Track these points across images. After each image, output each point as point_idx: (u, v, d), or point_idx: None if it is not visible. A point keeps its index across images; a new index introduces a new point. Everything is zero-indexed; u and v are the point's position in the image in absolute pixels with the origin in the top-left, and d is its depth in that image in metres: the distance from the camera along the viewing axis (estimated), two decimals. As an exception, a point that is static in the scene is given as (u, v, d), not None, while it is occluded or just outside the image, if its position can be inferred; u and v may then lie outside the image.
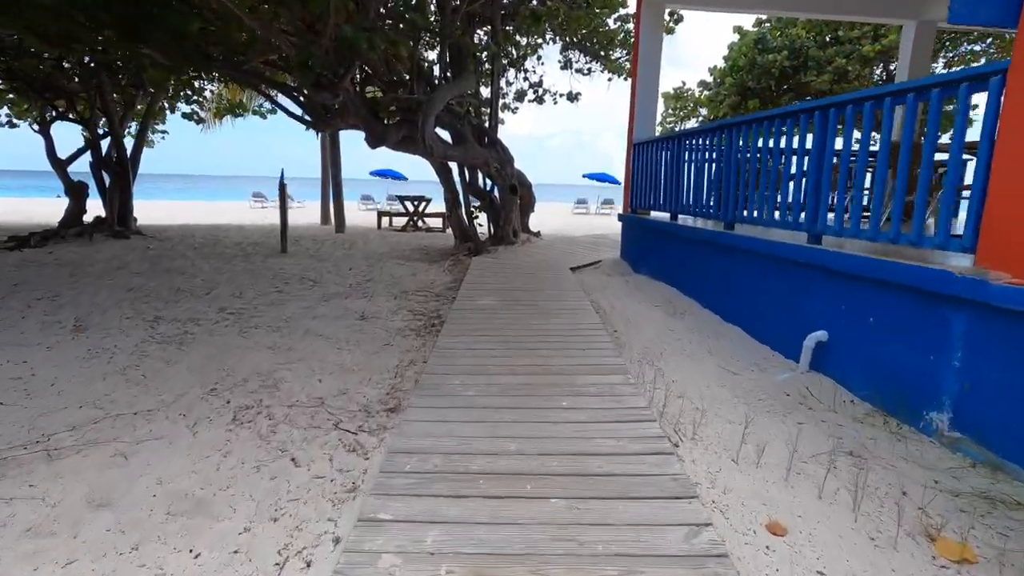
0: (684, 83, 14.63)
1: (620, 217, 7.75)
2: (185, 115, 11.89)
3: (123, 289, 5.34)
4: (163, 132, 14.27)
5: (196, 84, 10.12)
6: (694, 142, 5.56)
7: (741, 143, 4.60)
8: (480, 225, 8.50)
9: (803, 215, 3.71)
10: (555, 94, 10.29)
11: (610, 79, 9.97)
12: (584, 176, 28.19)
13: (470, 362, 3.32)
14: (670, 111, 15.10)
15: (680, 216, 6.14)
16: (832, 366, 3.35)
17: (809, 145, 3.65)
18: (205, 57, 6.32)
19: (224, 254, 7.79)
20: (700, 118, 14.74)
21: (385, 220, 14.03)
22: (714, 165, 5.16)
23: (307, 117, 7.28)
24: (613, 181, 28.03)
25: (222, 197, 34.19)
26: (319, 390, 3.15)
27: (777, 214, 4.07)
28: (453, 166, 8.64)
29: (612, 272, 7.09)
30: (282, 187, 7.67)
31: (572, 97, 10.12)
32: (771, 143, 4.13)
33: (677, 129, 15.30)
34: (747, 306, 4.33)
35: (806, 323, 3.54)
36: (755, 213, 4.32)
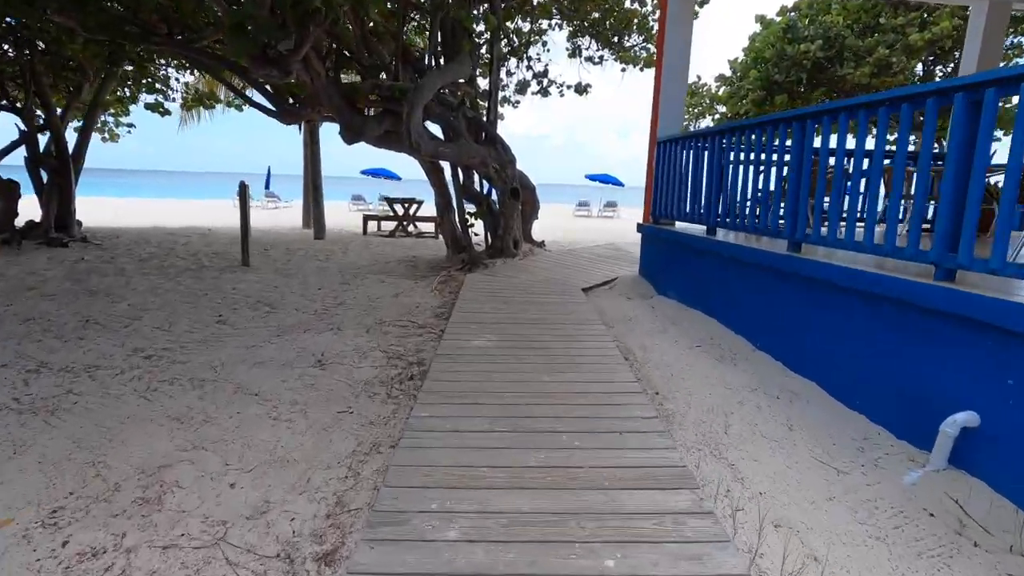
0: (699, 77, 13.64)
1: (639, 227, 6.72)
2: (148, 106, 10.79)
3: (18, 320, 4.26)
4: (128, 126, 13.16)
5: (153, 69, 9.04)
6: (744, 139, 4.52)
7: (818, 141, 3.58)
8: (476, 235, 7.44)
9: (927, 241, 2.67)
10: (561, 86, 9.26)
11: (623, 69, 8.95)
12: (586, 177, 27.22)
13: (455, 459, 2.26)
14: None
15: (719, 230, 5.11)
16: (986, 464, 2.31)
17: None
18: (143, 32, 5.25)
19: (172, 267, 6.71)
20: (717, 116, 13.73)
21: (373, 224, 12.97)
22: (773, 169, 4.12)
23: (271, 106, 6.22)
24: (616, 183, 27.08)
25: (210, 195, 32.99)
26: (226, 506, 2.10)
27: (879, 235, 3.03)
28: (446, 166, 7.60)
29: (632, 294, 6.05)
30: (242, 189, 6.61)
31: (581, 89, 9.09)
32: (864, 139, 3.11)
33: (695, 127, 14.28)
34: (827, 355, 3.29)
35: (933, 393, 2.52)
36: (841, 233, 3.29)
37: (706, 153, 5.21)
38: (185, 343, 3.96)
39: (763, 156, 4.33)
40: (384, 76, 6.46)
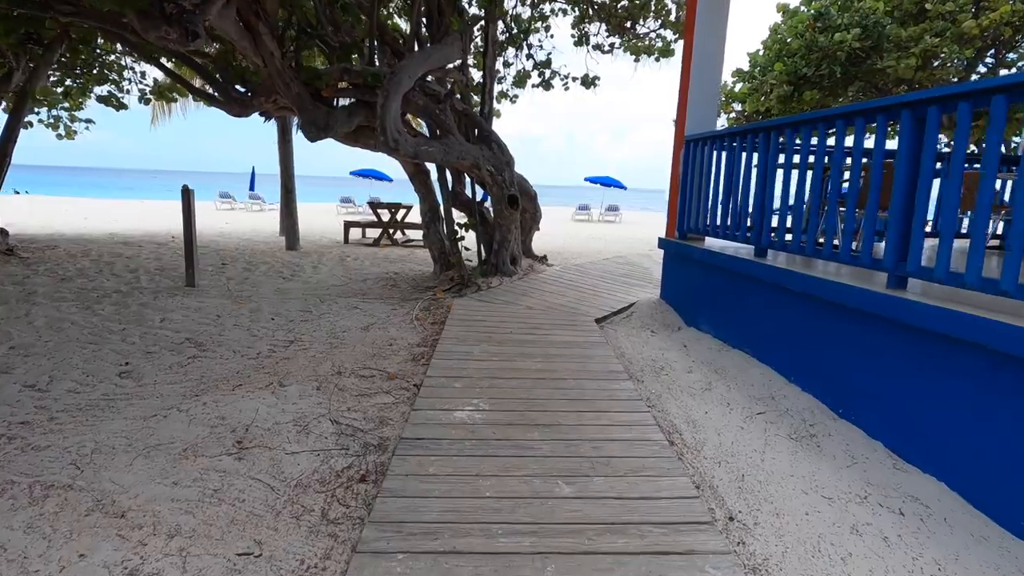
0: (714, 73, 12.67)
1: (661, 243, 5.71)
2: (101, 99, 9.75)
3: None
4: (86, 122, 12.09)
5: (101, 58, 8.00)
6: (812, 133, 3.51)
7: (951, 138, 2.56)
8: (467, 249, 6.41)
9: None
10: (566, 78, 8.26)
11: (636, 59, 7.95)
12: (586, 180, 26.27)
13: None
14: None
15: (771, 251, 4.11)
16: None
17: None
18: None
19: (96, 290, 5.65)
20: (734, 115, 12.75)
21: (357, 231, 11.93)
22: (859, 174, 3.12)
23: (216, 94, 5.18)
24: (617, 185, 26.15)
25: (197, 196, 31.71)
26: None
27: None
28: (432, 168, 6.58)
29: (656, 325, 5.04)
30: (186, 194, 5.55)
31: (588, 82, 8.10)
32: None
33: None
34: (964, 445, 2.27)
35: None
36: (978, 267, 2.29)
37: (754, 155, 4.21)
38: (59, 412, 2.91)
39: (847, 159, 3.34)
40: (356, 59, 5.43)
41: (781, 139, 3.97)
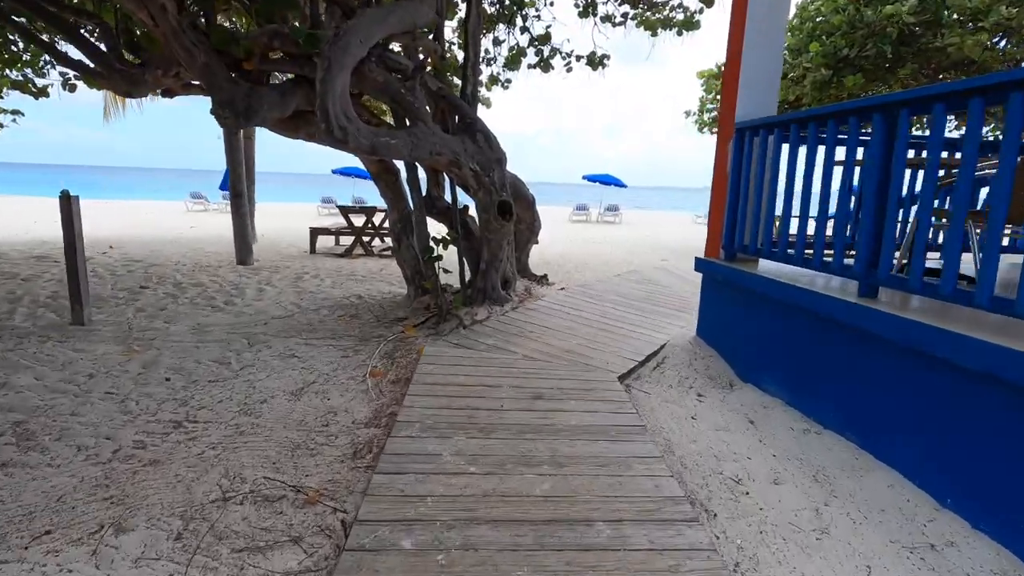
0: (731, 58, 11.40)
1: (699, 264, 4.41)
2: (15, 84, 8.32)
3: None
4: (14, 113, 10.66)
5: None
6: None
7: None
8: (446, 272, 5.08)
9: None
10: (569, 56, 6.93)
11: (653, 34, 6.64)
12: (584, 178, 24.96)
13: None
14: (709, 96, 11.83)
15: (874, 287, 2.83)
16: None
17: None
18: None
19: (-56, 332, 4.27)
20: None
21: (330, 240, 10.57)
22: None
23: (94, 65, 3.83)
24: (617, 183, 24.90)
25: (174, 195, 30.03)
26: None
27: None
28: (403, 167, 5.23)
29: (702, 382, 3.74)
30: (64, 201, 4.18)
31: (595, 62, 6.79)
32: None
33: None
34: None
35: None
36: None
37: (859, 146, 2.92)
38: None
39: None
40: (293, 20, 4.09)
41: (911, 114, 2.68)
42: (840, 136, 3.31)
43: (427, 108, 4.62)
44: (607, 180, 24.70)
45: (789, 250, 3.42)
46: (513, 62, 7.03)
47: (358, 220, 10.49)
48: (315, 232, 9.83)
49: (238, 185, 7.89)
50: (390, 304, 5.75)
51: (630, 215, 27.16)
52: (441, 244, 4.84)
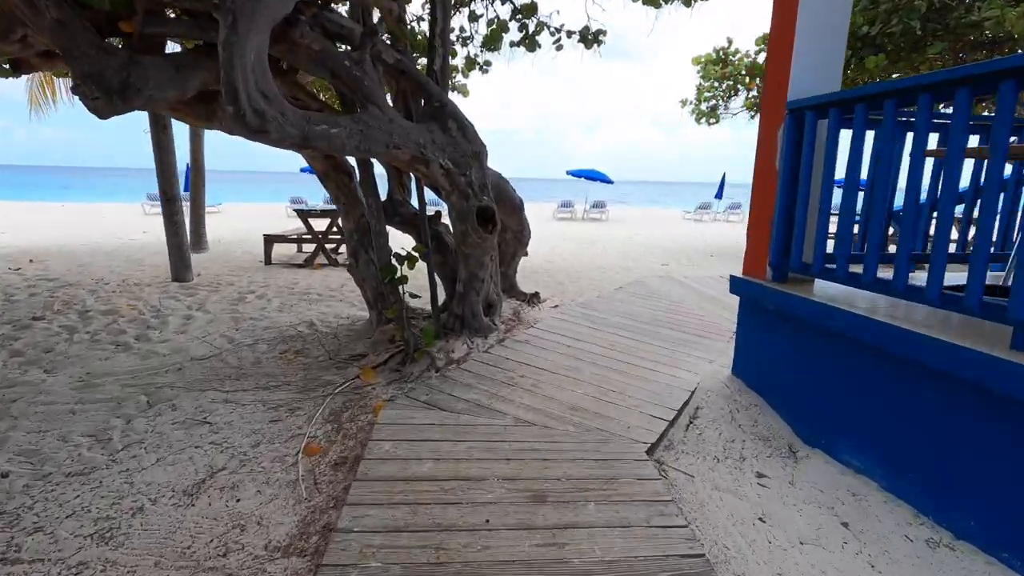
0: (730, 42, 10.52)
1: (736, 284, 3.48)
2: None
3: None
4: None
5: None
6: None
7: None
8: (415, 297, 4.07)
9: None
10: (558, 32, 5.95)
11: (658, 6, 5.68)
12: (568, 173, 24.05)
13: None
14: (707, 84, 10.97)
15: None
16: None
17: None
18: None
19: None
20: (752, 93, 10.63)
21: (291, 248, 9.43)
22: None
23: None
24: (603, 179, 24.04)
25: (135, 197, 28.24)
26: None
27: None
28: (362, 167, 4.18)
29: (756, 453, 2.81)
30: None
31: (590, 38, 5.82)
32: None
33: (724, 108, 11.15)
34: None
35: None
36: None
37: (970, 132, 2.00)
38: None
39: None
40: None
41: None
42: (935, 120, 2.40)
43: (383, 88, 3.59)
44: (593, 175, 23.83)
45: (884, 273, 2.49)
46: (493, 40, 6.03)
47: (323, 225, 9.40)
48: (270, 240, 8.70)
49: (169, 188, 6.74)
50: (347, 334, 4.72)
51: (616, 211, 26.37)
52: (406, 262, 3.82)
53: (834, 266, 2.77)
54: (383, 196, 4.25)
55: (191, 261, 7.04)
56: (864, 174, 3.02)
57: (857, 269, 2.65)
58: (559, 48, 5.97)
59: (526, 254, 5.13)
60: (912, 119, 2.88)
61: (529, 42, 5.90)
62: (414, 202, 4.37)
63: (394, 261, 3.91)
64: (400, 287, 3.92)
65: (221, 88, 2.65)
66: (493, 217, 3.75)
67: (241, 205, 25.65)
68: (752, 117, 10.73)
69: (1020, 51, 7.00)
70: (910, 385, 2.29)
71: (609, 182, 24.34)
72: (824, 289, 3.05)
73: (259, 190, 46.51)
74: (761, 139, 3.37)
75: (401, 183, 4.31)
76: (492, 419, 2.91)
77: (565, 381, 3.42)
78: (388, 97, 4.50)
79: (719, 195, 24.44)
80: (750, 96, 10.60)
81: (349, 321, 5.12)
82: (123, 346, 4.31)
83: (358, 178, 4.13)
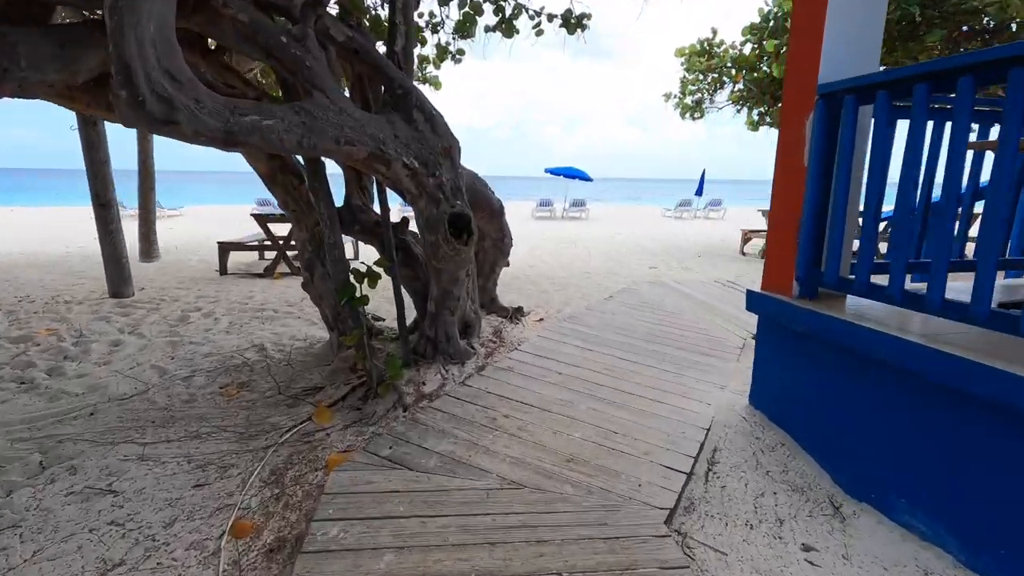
0: (714, 32, 10.12)
1: (756, 302, 2.99)
2: None
3: None
4: None
5: None
6: None
7: None
8: (379, 321, 3.48)
9: None
10: (538, 15, 5.40)
11: (646, -12, 5.18)
12: (547, 171, 23.55)
13: None
14: (692, 76, 10.55)
15: None
16: None
17: None
18: None
19: None
20: (739, 87, 10.24)
21: (251, 256, 8.69)
22: None
23: None
24: (583, 177, 23.63)
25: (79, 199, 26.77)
26: None
27: None
28: (311, 167, 3.56)
29: (792, 506, 2.31)
30: None
31: (573, 22, 5.30)
32: None
33: (710, 101, 10.74)
34: None
35: None
36: None
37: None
38: None
39: None
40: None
41: None
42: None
43: (333, 72, 3.00)
44: (572, 173, 23.40)
45: (954, 295, 2.01)
46: (465, 25, 5.45)
47: (286, 230, 8.70)
48: (225, 248, 7.97)
49: (103, 192, 5.99)
50: (303, 359, 4.11)
51: (596, 209, 26.00)
52: (367, 279, 3.23)
53: (881, 280, 2.30)
54: (340, 201, 3.65)
55: (131, 273, 6.30)
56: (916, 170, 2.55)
57: (918, 286, 2.17)
58: (539, 33, 5.43)
59: (507, 264, 4.58)
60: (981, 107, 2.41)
61: (506, 27, 5.34)
62: (378, 206, 3.77)
63: (352, 279, 3.32)
64: (360, 309, 3.33)
65: (111, 66, 2.04)
66: (469, 225, 3.19)
67: (207, 208, 24.51)
68: (738, 111, 10.37)
69: (1022, 39, 6.71)
70: (997, 432, 1.81)
71: (588, 180, 23.94)
72: (862, 306, 2.58)
73: (229, 191, 44.90)
74: (783, 134, 2.88)
75: (361, 185, 3.72)
76: (471, 479, 2.35)
77: (558, 421, 2.89)
78: (346, 87, 3.90)
79: (699, 192, 24.25)
80: (736, 89, 10.23)
81: (306, 343, 4.51)
82: (28, 384, 3.62)
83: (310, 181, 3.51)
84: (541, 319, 5.03)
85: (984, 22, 6.59)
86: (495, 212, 4.04)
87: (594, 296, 6.19)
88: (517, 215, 22.58)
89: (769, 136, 10.63)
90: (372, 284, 3.26)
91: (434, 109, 3.30)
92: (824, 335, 2.51)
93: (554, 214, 22.98)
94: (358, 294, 3.28)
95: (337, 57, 3.19)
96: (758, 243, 10.51)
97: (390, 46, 3.33)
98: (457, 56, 6.50)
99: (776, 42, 8.10)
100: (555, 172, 23.45)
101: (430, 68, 7.63)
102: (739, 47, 9.68)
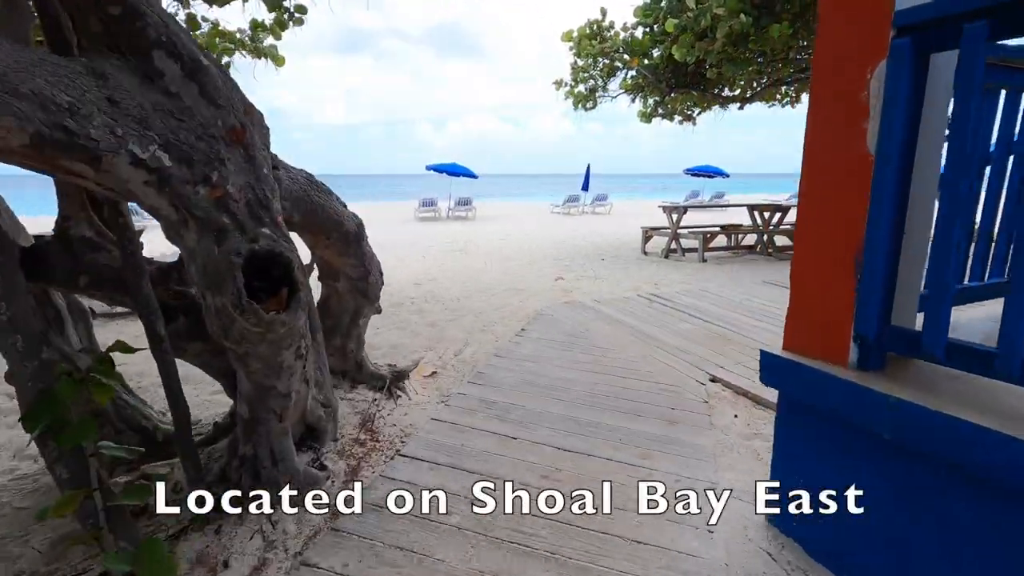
0: (604, 13, 9.29)
1: (781, 372, 1.88)
2: None
3: None
4: None
5: None
6: None
7: None
8: (135, 454, 1.86)
9: None
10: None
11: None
12: (428, 168, 22.00)
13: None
14: (583, 63, 9.69)
15: None
16: None
17: None
18: None
19: None
20: (634, 73, 9.56)
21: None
22: None
23: None
24: (468, 174, 22.44)
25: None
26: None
27: None
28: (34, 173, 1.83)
29: None
30: None
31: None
32: None
33: (602, 91, 9.91)
34: None
35: None
36: None
37: None
38: None
39: None
40: None
41: None
42: None
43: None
44: (455, 170, 22.11)
45: None
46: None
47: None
48: None
49: None
50: (17, 509, 2.35)
51: (482, 208, 24.89)
52: (89, 384, 1.64)
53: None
54: (51, 228, 1.99)
55: None
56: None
57: None
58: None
59: (379, 310, 3.11)
60: None
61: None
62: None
63: (70, 367, 1.71)
64: (85, 446, 1.72)
65: None
66: (290, 274, 1.73)
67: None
68: (633, 101, 9.73)
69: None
70: None
71: (474, 177, 22.82)
72: (939, 377, 1.57)
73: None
74: (814, 113, 1.79)
75: (86, 200, 2.07)
76: None
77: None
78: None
79: (585, 187, 24.13)
80: (629, 77, 9.55)
81: (38, 469, 2.70)
82: None
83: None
84: (434, 373, 3.66)
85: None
86: (349, 237, 2.56)
87: (499, 326, 4.93)
88: (399, 217, 20.72)
89: (660, 128, 10.13)
90: (99, 396, 1.68)
91: (214, 64, 1.79)
92: (931, 444, 1.45)
93: (439, 214, 21.48)
94: (72, 419, 1.67)
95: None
96: (660, 241, 9.98)
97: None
98: (297, 16, 4.87)
99: (676, 22, 7.40)
100: (438, 169, 21.98)
101: (269, 39, 5.90)
102: (631, 30, 9.00)
